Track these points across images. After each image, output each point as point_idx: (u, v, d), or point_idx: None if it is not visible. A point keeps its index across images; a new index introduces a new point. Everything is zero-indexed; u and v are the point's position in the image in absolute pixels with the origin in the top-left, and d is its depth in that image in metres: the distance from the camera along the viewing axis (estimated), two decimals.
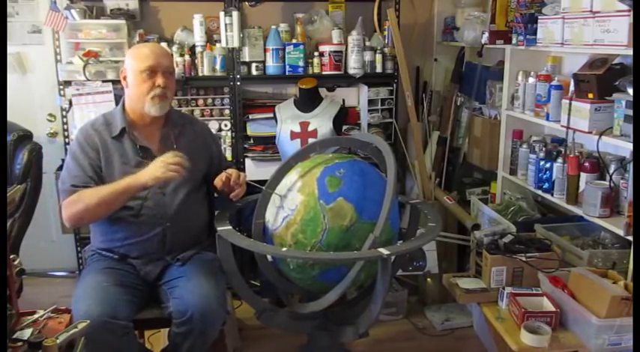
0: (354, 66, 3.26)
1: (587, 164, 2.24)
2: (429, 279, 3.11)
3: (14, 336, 1.49)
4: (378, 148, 2.19)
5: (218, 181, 2.14)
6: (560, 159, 2.37)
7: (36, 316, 1.66)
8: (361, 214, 1.97)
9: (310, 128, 2.94)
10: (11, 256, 1.58)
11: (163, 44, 3.12)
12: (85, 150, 2.09)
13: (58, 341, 1.40)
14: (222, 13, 3.07)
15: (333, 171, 2.06)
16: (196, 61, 3.20)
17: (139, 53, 2.12)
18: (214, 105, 3.27)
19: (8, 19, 3.21)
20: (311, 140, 2.84)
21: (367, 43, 3.30)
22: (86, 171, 2.06)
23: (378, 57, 3.31)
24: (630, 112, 1.97)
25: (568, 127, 2.28)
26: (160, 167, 1.94)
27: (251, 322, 2.83)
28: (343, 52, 3.26)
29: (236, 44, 3.10)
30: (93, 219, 2.07)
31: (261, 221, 2.17)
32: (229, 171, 2.16)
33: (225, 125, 3.27)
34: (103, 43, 3.12)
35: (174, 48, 3.17)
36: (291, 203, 2.04)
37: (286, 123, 2.99)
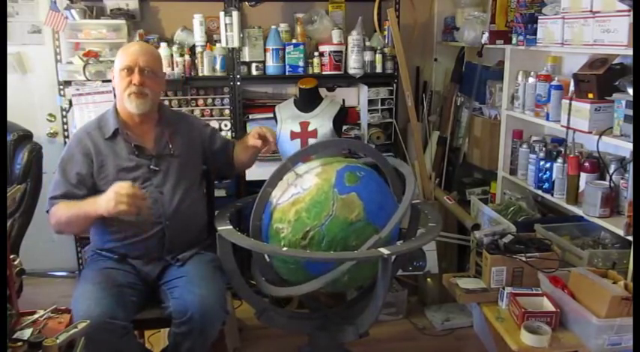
0: (354, 66, 3.26)
1: (587, 164, 2.24)
2: (429, 279, 3.11)
3: (14, 336, 1.49)
4: (398, 169, 2.26)
5: (252, 140, 2.23)
6: (560, 159, 2.37)
7: (36, 316, 1.66)
8: (368, 215, 1.98)
9: (310, 128, 2.93)
10: (11, 256, 1.58)
11: (163, 44, 3.13)
12: (74, 158, 2.10)
13: (58, 341, 1.40)
14: (222, 13, 3.07)
15: (354, 170, 2.09)
16: (196, 61, 3.20)
17: (121, 52, 2.14)
18: (214, 105, 3.27)
19: (8, 19, 3.21)
20: (311, 140, 2.84)
21: (367, 43, 3.30)
22: (70, 180, 2.07)
23: (378, 57, 3.31)
24: (630, 112, 1.97)
25: (568, 127, 2.28)
26: (112, 199, 1.86)
27: (251, 322, 2.83)
28: (343, 52, 3.26)
29: (236, 44, 3.10)
30: (69, 232, 2.13)
31: (258, 223, 2.15)
32: (257, 129, 2.24)
33: (225, 125, 3.27)
34: (103, 43, 3.13)
35: (174, 48, 3.17)
36: (305, 183, 2.04)
37: (286, 123, 2.98)
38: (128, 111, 2.12)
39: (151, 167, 2.12)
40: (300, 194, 2.01)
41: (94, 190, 2.08)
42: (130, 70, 2.08)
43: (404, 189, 2.17)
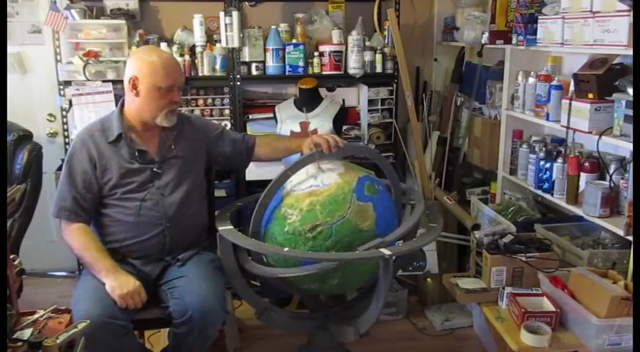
0: (354, 66, 3.26)
1: (587, 164, 2.24)
2: (429, 279, 3.11)
3: (14, 336, 1.49)
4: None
5: (307, 149, 2.17)
6: (560, 159, 2.37)
7: (36, 316, 1.66)
8: (377, 228, 2.01)
9: (310, 128, 2.93)
10: (11, 256, 1.58)
11: (163, 44, 3.13)
12: (78, 161, 2.08)
13: (58, 341, 1.41)
14: (222, 13, 3.07)
15: (374, 182, 2.12)
16: (196, 61, 3.20)
17: (155, 69, 2.02)
18: (214, 105, 3.26)
19: (8, 19, 3.21)
20: None
21: (367, 43, 3.30)
22: (76, 184, 2.06)
23: (378, 57, 3.31)
24: (630, 112, 1.97)
25: (568, 127, 2.28)
26: (125, 293, 1.92)
27: (251, 322, 2.83)
28: (343, 52, 3.26)
29: (236, 44, 3.10)
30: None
31: (266, 201, 2.11)
32: (316, 140, 2.15)
33: (225, 125, 3.26)
34: (103, 43, 3.12)
35: (174, 48, 3.17)
36: (327, 179, 2.05)
37: (286, 124, 2.98)
38: (148, 122, 2.10)
39: (154, 170, 2.12)
40: (319, 187, 2.02)
41: (100, 195, 2.09)
42: (170, 90, 2.06)
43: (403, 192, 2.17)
